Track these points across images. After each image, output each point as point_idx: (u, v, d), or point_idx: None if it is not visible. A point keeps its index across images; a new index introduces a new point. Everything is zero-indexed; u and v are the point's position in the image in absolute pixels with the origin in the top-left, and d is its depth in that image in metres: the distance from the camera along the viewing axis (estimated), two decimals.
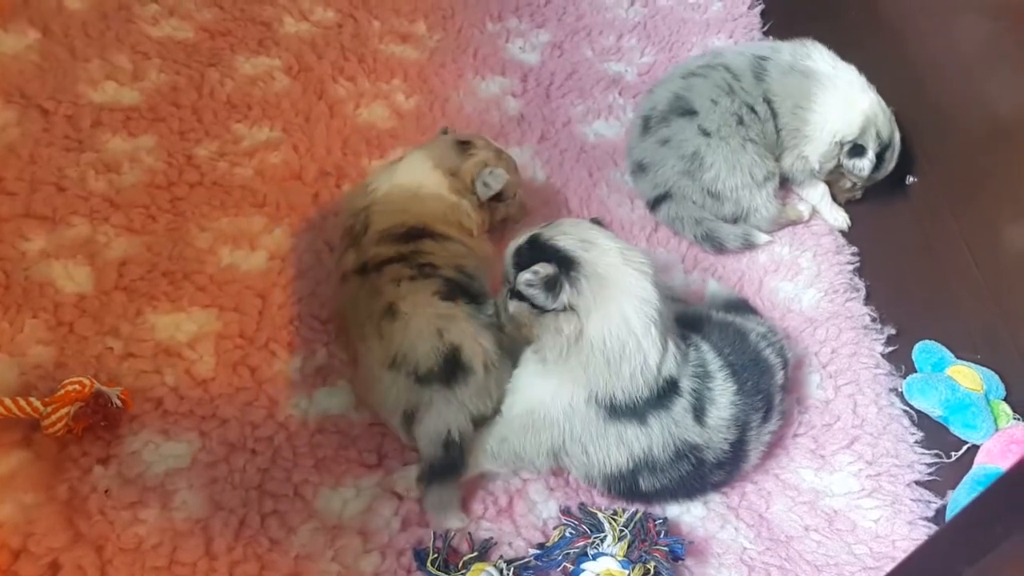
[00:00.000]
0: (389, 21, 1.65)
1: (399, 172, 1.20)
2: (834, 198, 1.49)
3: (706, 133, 1.37)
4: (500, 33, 1.67)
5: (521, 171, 1.45)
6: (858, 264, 1.43)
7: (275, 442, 1.08)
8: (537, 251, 0.97)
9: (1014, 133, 1.22)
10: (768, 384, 1.08)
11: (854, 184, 1.45)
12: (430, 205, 1.16)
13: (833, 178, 1.46)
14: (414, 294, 1.04)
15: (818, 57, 1.44)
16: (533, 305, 0.96)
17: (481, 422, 1.04)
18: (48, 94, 1.38)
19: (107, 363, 1.11)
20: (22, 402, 1.01)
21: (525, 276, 0.93)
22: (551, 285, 0.93)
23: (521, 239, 1.00)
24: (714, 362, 1.04)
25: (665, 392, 0.98)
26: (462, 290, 1.07)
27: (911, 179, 1.46)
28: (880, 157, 1.38)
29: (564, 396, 0.98)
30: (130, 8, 1.55)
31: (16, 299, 1.15)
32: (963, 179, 1.35)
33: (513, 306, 0.99)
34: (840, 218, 1.48)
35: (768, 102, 1.41)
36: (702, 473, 1.03)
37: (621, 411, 0.97)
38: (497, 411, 1.05)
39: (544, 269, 0.93)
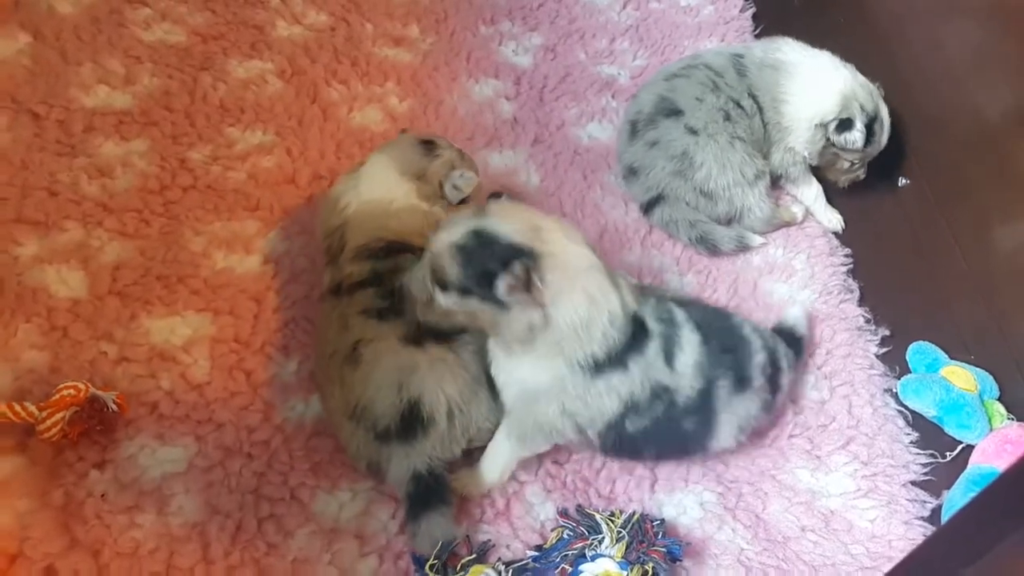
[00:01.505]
0: (382, 24, 1.65)
1: (365, 186, 1.15)
2: (836, 184, 1.48)
3: (693, 131, 1.37)
4: (493, 36, 1.68)
5: (515, 174, 1.46)
6: (851, 266, 1.44)
7: (271, 446, 1.08)
8: (490, 248, 0.92)
9: (1002, 136, 1.23)
10: (739, 349, 1.09)
11: (852, 163, 1.43)
12: (406, 220, 1.12)
13: (829, 161, 1.44)
14: (379, 339, 1.02)
15: (787, 49, 1.44)
16: (484, 300, 0.93)
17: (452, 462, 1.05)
18: (39, 99, 1.37)
19: (101, 368, 1.11)
20: (17, 407, 1.00)
21: (505, 280, 0.90)
22: (528, 285, 0.91)
23: (456, 234, 0.93)
24: (680, 315, 1.05)
25: (637, 334, 1.00)
26: (437, 332, 1.03)
27: (903, 181, 1.46)
28: (869, 129, 1.37)
29: (545, 371, 0.98)
30: (122, 12, 1.54)
31: (9, 304, 1.14)
32: (953, 181, 1.36)
33: (450, 301, 0.95)
34: (834, 220, 1.49)
35: (753, 96, 1.42)
36: (674, 416, 1.04)
37: (604, 364, 0.98)
38: (468, 449, 1.06)
39: (520, 269, 0.90)
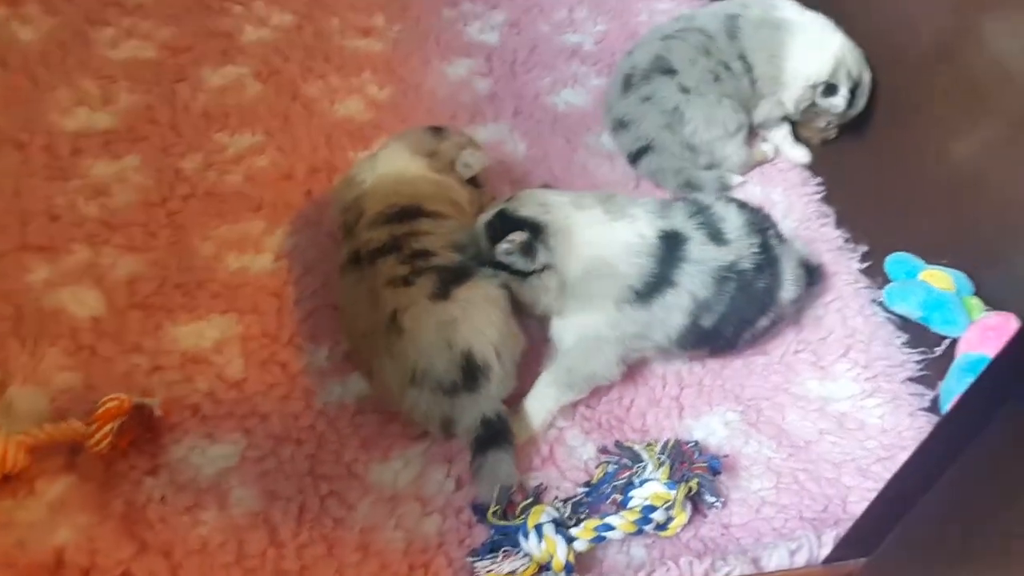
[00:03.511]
0: (347, 17, 1.68)
1: (381, 162, 1.22)
2: (808, 141, 1.59)
3: (685, 90, 1.46)
4: (457, 18, 1.72)
5: (502, 146, 1.51)
6: (824, 193, 1.54)
7: (318, 429, 1.11)
8: (507, 224, 1.07)
9: (951, 49, 1.32)
10: (766, 216, 1.20)
11: (828, 123, 1.53)
12: (419, 186, 1.19)
13: (808, 118, 1.54)
14: (413, 305, 1.05)
15: (784, 7, 1.53)
16: (512, 272, 1.06)
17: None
18: (19, 127, 1.37)
19: (136, 379, 1.12)
20: (63, 425, 1.02)
21: (503, 246, 1.04)
22: (527, 250, 1.04)
23: (489, 215, 1.10)
24: (707, 198, 1.16)
25: (673, 247, 1.08)
26: (456, 275, 1.08)
27: None
28: (852, 94, 1.46)
29: (598, 318, 1.08)
30: (86, 34, 1.54)
31: (32, 331, 1.14)
32: (908, 98, 1.44)
33: (497, 278, 1.09)
34: (801, 153, 1.59)
35: (742, 58, 1.50)
36: (747, 283, 1.11)
37: (648, 291, 1.07)
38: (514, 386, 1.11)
39: (518, 236, 1.04)
